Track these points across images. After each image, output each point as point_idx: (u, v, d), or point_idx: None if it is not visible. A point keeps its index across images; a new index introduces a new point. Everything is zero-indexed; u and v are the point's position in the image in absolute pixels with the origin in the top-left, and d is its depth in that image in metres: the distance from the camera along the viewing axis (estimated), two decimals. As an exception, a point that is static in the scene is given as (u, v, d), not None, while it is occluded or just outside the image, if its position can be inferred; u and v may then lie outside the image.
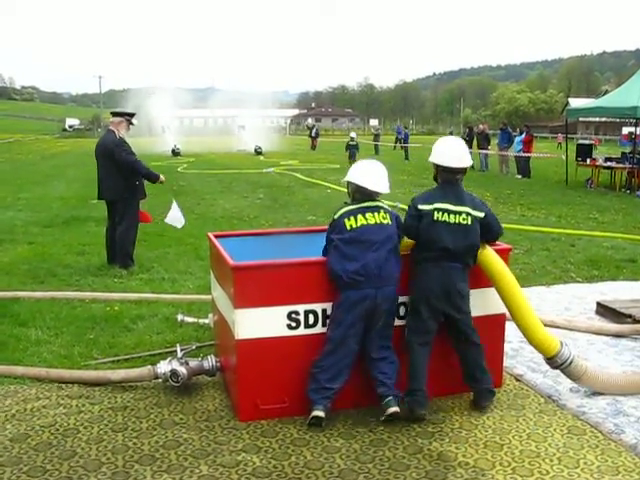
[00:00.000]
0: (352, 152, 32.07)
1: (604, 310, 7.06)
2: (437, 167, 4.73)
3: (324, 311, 4.44)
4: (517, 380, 5.16)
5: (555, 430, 4.35)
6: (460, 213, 4.55)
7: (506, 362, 5.04)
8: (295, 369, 4.38)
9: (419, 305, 4.52)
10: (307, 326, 4.42)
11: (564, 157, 24.20)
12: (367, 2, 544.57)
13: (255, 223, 12.71)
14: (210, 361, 4.95)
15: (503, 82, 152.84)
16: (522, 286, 7.66)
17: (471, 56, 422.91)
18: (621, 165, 21.92)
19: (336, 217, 4.53)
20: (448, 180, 4.68)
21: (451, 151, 4.72)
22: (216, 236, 5.31)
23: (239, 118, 50.74)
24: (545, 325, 6.41)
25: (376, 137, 44.92)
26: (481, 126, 28.37)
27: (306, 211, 14.60)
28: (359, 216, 4.46)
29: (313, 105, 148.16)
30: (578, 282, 8.56)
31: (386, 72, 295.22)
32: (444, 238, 4.50)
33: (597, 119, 61.29)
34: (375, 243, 4.38)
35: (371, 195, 4.57)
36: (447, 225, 4.52)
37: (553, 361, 4.69)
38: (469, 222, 4.56)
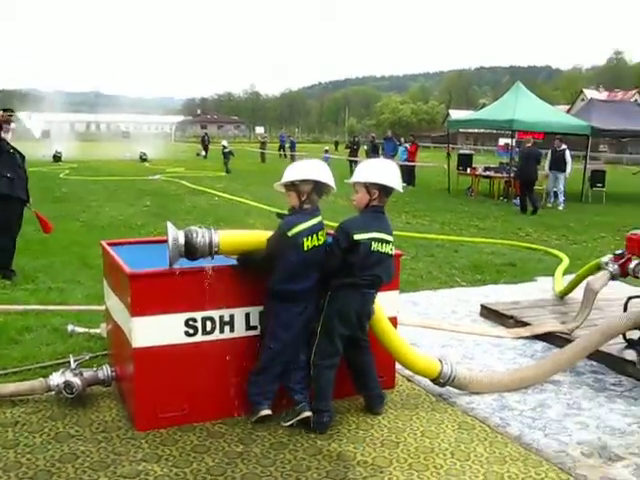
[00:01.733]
0: (226, 158, 32.82)
1: (488, 312, 7.43)
2: (380, 190, 4.46)
3: (221, 318, 4.45)
4: (409, 381, 5.36)
5: (447, 426, 4.56)
6: (389, 242, 4.48)
7: (398, 364, 5.22)
8: (194, 376, 4.38)
9: (334, 330, 4.42)
10: (205, 333, 4.41)
11: (446, 166, 25.19)
12: (254, 10, 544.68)
13: (143, 231, 12.50)
14: (105, 371, 4.86)
15: (387, 93, 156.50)
16: (410, 291, 8.14)
17: (356, 67, 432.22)
18: (499, 175, 23.01)
19: (291, 234, 4.28)
20: (381, 206, 4.52)
21: (396, 173, 4.55)
22: (109, 244, 5.22)
23: (123, 124, 49.64)
24: (438, 329, 6.73)
25: (263, 145, 45.08)
26: (372, 135, 29.06)
27: (194, 219, 14.44)
28: (314, 236, 4.34)
29: (199, 112, 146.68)
30: (463, 286, 8.95)
31: (272, 80, 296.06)
32: (377, 268, 4.42)
33: (476, 130, 63.96)
34: (319, 263, 4.37)
35: (388, 195, 4.53)
36: (380, 255, 4.42)
37: (438, 382, 4.98)
38: (393, 252, 4.57)
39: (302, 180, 4.37)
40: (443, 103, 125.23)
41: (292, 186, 4.40)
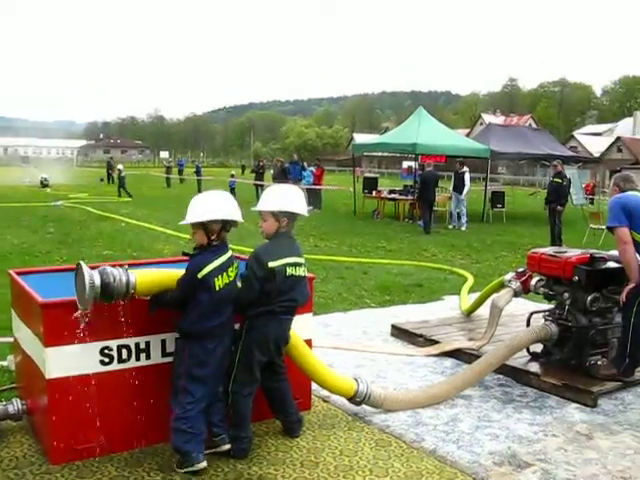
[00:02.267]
0: (122, 182, 32.85)
1: (398, 332, 7.62)
2: (289, 217, 4.49)
3: (137, 345, 4.41)
4: (325, 402, 5.44)
5: (364, 444, 4.66)
6: (302, 265, 4.51)
7: (314, 385, 5.30)
8: (110, 405, 4.30)
9: (253, 358, 4.43)
10: (120, 361, 4.35)
11: (351, 189, 25.61)
12: (156, 33, 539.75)
13: (48, 259, 12.14)
14: (15, 405, 4.70)
15: (292, 117, 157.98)
16: (321, 313, 8.23)
17: (260, 91, 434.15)
18: (404, 197, 23.58)
19: (201, 276, 4.14)
20: (290, 230, 4.56)
21: (301, 198, 4.58)
22: (18, 273, 5.09)
23: (22, 148, 48.16)
24: (351, 349, 6.85)
25: (168, 169, 44.59)
26: (280, 159, 29.22)
27: (101, 246, 14.19)
28: (224, 274, 4.23)
29: (101, 136, 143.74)
30: (373, 307, 9.13)
31: (177, 104, 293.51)
32: (293, 292, 4.45)
33: (380, 154, 65.35)
34: (232, 298, 4.31)
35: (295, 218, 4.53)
36: (295, 278, 4.45)
37: (354, 401, 5.10)
38: (306, 273, 4.60)
39: (214, 220, 4.22)
40: (347, 127, 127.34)
41: (200, 224, 4.23)
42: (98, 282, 4.01)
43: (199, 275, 4.14)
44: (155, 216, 20.67)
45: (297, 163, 28.10)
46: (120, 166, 34.83)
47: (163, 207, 24.61)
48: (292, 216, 4.49)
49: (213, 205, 4.24)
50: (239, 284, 4.40)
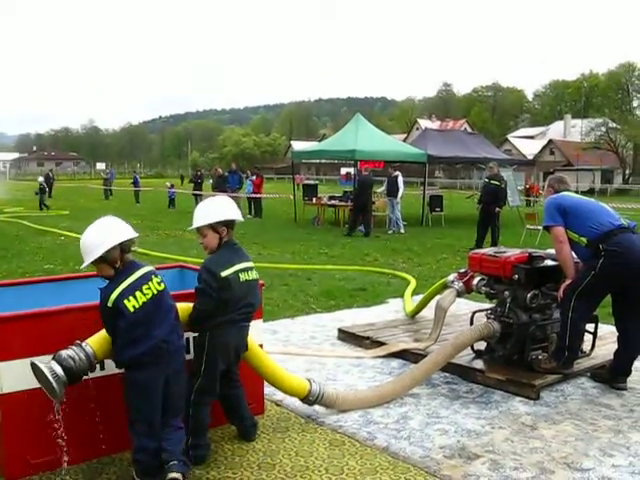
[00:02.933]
0: (43, 194, 32.97)
1: (345, 335, 7.76)
2: (227, 225, 4.55)
3: (90, 356, 4.42)
4: (277, 405, 5.55)
5: (318, 445, 4.79)
6: (252, 269, 4.59)
7: (266, 390, 5.39)
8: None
9: (214, 367, 4.49)
10: (74, 373, 4.36)
11: (291, 197, 25.73)
12: (88, 43, 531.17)
13: (-15, 275, 11.89)
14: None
15: (229, 125, 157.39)
16: (268, 320, 8.31)
17: (196, 100, 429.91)
18: (343, 203, 23.79)
19: (110, 304, 3.98)
20: (232, 238, 4.62)
21: (231, 205, 4.65)
22: (-38, 289, 5.04)
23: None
24: (300, 354, 6.95)
25: (106, 181, 43.95)
26: (219, 170, 29.15)
27: (41, 260, 13.97)
28: (138, 293, 4.03)
29: (35, 148, 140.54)
30: (319, 312, 9.25)
31: (112, 114, 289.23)
32: (250, 297, 4.54)
33: (317, 160, 65.80)
34: (158, 318, 4.08)
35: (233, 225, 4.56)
36: (249, 283, 4.54)
37: (307, 400, 5.21)
38: (258, 276, 4.70)
39: (107, 251, 4.05)
40: (284, 135, 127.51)
41: (99, 259, 4.07)
42: (61, 372, 3.89)
43: (109, 304, 3.98)
44: (94, 229, 20.32)
45: (236, 172, 28.08)
46: (40, 178, 34.61)
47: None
48: (229, 224, 4.58)
49: (102, 236, 4.07)
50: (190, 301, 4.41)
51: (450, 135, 29.61)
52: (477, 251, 6.87)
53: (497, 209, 17.04)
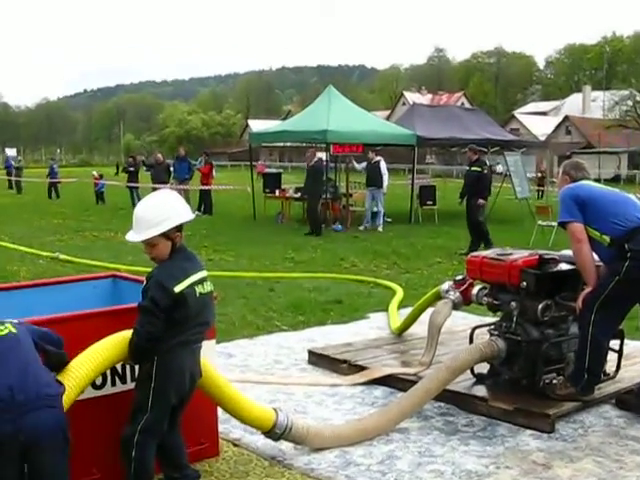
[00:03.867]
0: None
1: (317, 358, 7.80)
2: (179, 229, 4.60)
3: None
4: (235, 445, 5.57)
5: (285, 493, 4.81)
6: (207, 279, 4.62)
7: (221, 427, 5.40)
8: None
9: (165, 400, 4.50)
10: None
11: (249, 189, 25.72)
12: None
13: None
14: None
15: (171, 101, 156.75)
16: (223, 341, 8.32)
17: (130, 70, 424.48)
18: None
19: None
20: (183, 243, 4.65)
21: (182, 201, 4.70)
22: None
23: None
24: (262, 383, 6.99)
25: (17, 171, 43.55)
26: (159, 155, 28.97)
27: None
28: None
29: None
30: (284, 330, 9.29)
31: (24, 88, 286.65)
32: (205, 314, 4.58)
33: (282, 144, 65.76)
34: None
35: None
36: (205, 297, 4.56)
37: (273, 433, 5.20)
38: (212, 289, 4.69)
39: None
40: (240, 112, 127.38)
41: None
42: None
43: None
44: (4, 230, 20.22)
45: (185, 159, 27.90)
46: None
47: (14, 218, 24.27)
48: (182, 226, 4.62)
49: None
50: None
51: (444, 111, 29.89)
52: (476, 254, 6.95)
53: (480, 201, 16.82)
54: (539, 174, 39.25)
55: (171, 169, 27.93)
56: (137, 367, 4.67)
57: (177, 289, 4.38)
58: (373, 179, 21.98)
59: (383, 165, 22.01)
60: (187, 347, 4.53)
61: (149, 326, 4.36)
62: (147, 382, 4.47)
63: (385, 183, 22.00)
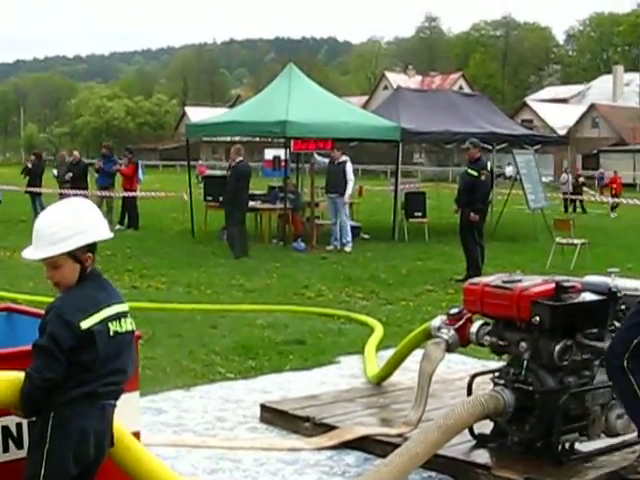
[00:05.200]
0: None
1: (272, 415, 7.76)
2: (92, 249, 4.58)
3: None
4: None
5: None
6: (126, 315, 4.57)
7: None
8: None
9: (62, 471, 4.36)
10: None
11: (186, 197, 25.66)
12: None
13: None
14: None
15: (86, 82, 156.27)
16: (149, 393, 8.28)
17: (33, 42, 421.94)
18: (268, 205, 23.71)
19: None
20: (96, 267, 4.61)
21: (97, 214, 4.66)
22: None
23: None
24: (201, 446, 6.95)
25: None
26: (76, 153, 28.87)
27: None
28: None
29: None
30: (230, 379, 9.26)
31: None
32: (121, 360, 4.50)
33: (229, 139, 65.58)
34: None
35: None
36: (122, 337, 4.49)
37: None
38: (134, 325, 4.66)
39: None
40: (175, 97, 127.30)
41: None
42: None
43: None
44: None
45: (111, 158, 27.79)
46: None
47: None
48: (94, 246, 4.57)
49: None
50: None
51: (437, 98, 30.02)
52: (476, 280, 6.97)
53: (472, 215, 16.57)
54: (577, 178, 38.81)
55: (91, 170, 27.87)
56: (29, 425, 4.60)
57: (84, 325, 4.31)
58: (334, 183, 21.97)
59: (349, 168, 22.04)
60: (95, 402, 4.42)
61: (46, 371, 4.27)
62: (40, 445, 4.35)
63: (349, 191, 22.09)
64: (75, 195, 21.00)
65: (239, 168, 20.56)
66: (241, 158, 20.61)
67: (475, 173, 16.86)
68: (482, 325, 6.87)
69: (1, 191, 32.86)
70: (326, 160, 23.14)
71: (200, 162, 61.42)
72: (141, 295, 14.12)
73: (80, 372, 4.34)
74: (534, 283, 6.57)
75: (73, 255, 4.45)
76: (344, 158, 22.18)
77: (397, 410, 7.58)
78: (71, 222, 4.49)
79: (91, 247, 4.52)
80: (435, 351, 7.12)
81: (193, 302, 13.78)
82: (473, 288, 6.81)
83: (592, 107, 78.73)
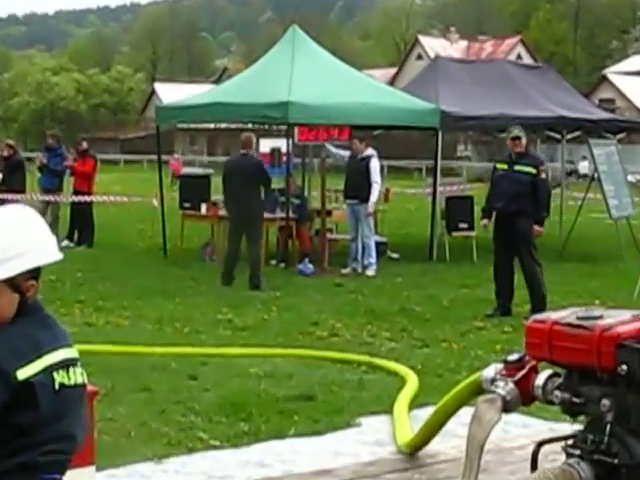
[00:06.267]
0: None
1: (271, 496, 7.77)
2: (35, 274, 4.54)
3: None
4: None
5: None
6: (76, 363, 4.54)
7: None
8: None
9: None
10: None
11: (156, 202, 25.65)
12: None
13: None
14: None
15: (24, 50, 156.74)
16: (108, 466, 8.29)
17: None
18: (265, 215, 23.61)
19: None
20: (37, 299, 4.57)
21: (43, 229, 4.61)
22: None
23: None
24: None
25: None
26: (9, 143, 28.96)
27: None
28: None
29: None
30: (215, 447, 9.26)
31: None
32: (68, 422, 4.46)
33: (212, 126, 65.65)
34: None
35: None
36: (70, 392, 4.45)
37: None
38: (85, 376, 4.61)
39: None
40: (142, 70, 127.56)
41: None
42: None
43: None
44: None
45: (58, 150, 27.85)
46: None
47: None
48: (39, 271, 4.56)
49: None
50: None
51: (488, 71, 29.92)
52: (543, 316, 6.94)
53: (536, 228, 16.44)
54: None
55: (32, 167, 27.94)
56: None
57: (22, 375, 4.25)
58: (356, 186, 21.80)
59: (375, 164, 21.89)
60: (33, 476, 4.39)
61: None
62: None
63: (374, 197, 21.77)
64: (10, 201, 21.08)
65: (233, 161, 20.52)
66: (245, 151, 20.14)
67: (532, 170, 16.65)
68: (551, 376, 6.83)
69: None
70: (345, 154, 23.04)
71: (175, 156, 61.39)
72: (97, 334, 14.14)
73: (15, 437, 4.31)
74: (620, 320, 6.55)
75: (12, 283, 4.42)
76: (369, 152, 21.99)
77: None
78: (9, 239, 4.45)
79: (35, 272, 4.50)
80: (488, 411, 7.10)
81: (166, 344, 13.74)
82: (538, 327, 6.77)
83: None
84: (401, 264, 21.95)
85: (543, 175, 16.94)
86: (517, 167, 16.69)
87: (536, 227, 16.44)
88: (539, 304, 15.50)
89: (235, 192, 19.95)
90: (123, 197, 30.41)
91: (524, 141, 17.02)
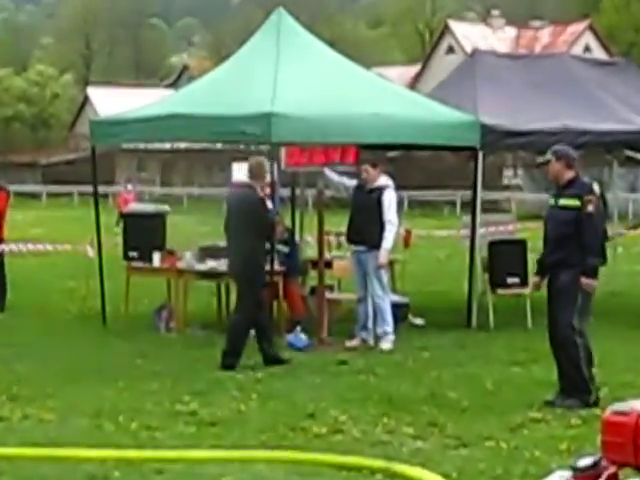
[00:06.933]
0: None
1: None
2: None
3: None
4: None
5: None
6: None
7: None
8: None
9: None
10: None
11: (92, 252, 25.75)
12: None
13: None
14: None
15: None
16: None
17: None
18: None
19: None
20: None
21: None
22: None
23: None
24: None
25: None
26: None
27: None
28: None
29: None
30: None
31: None
32: None
33: (168, 146, 65.81)
34: None
35: None
36: None
37: None
38: None
39: None
40: (70, 70, 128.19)
41: None
42: None
43: None
44: None
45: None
46: None
47: None
48: None
49: None
50: None
51: (545, 68, 30.01)
52: (626, 407, 6.93)
53: (588, 281, 15.83)
54: None
55: None
56: None
57: None
58: (364, 228, 21.68)
59: (390, 197, 21.76)
60: None
61: None
62: None
63: (388, 243, 21.51)
64: None
65: (233, 195, 20.59)
66: (241, 177, 20.33)
67: (574, 202, 16.01)
68: (635, 485, 6.85)
69: None
70: (350, 183, 22.84)
71: (129, 187, 60.54)
72: (11, 433, 14.15)
73: None
74: None
75: None
76: (383, 181, 21.84)
77: None
78: None
79: None
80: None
81: (105, 445, 13.73)
82: (620, 420, 6.77)
83: None
84: (428, 333, 22.01)
85: (590, 208, 15.88)
86: (561, 201, 16.25)
87: (583, 280, 15.84)
88: (571, 390, 15.40)
89: (230, 235, 20.17)
90: (46, 244, 30.52)
91: (555, 167, 16.32)
